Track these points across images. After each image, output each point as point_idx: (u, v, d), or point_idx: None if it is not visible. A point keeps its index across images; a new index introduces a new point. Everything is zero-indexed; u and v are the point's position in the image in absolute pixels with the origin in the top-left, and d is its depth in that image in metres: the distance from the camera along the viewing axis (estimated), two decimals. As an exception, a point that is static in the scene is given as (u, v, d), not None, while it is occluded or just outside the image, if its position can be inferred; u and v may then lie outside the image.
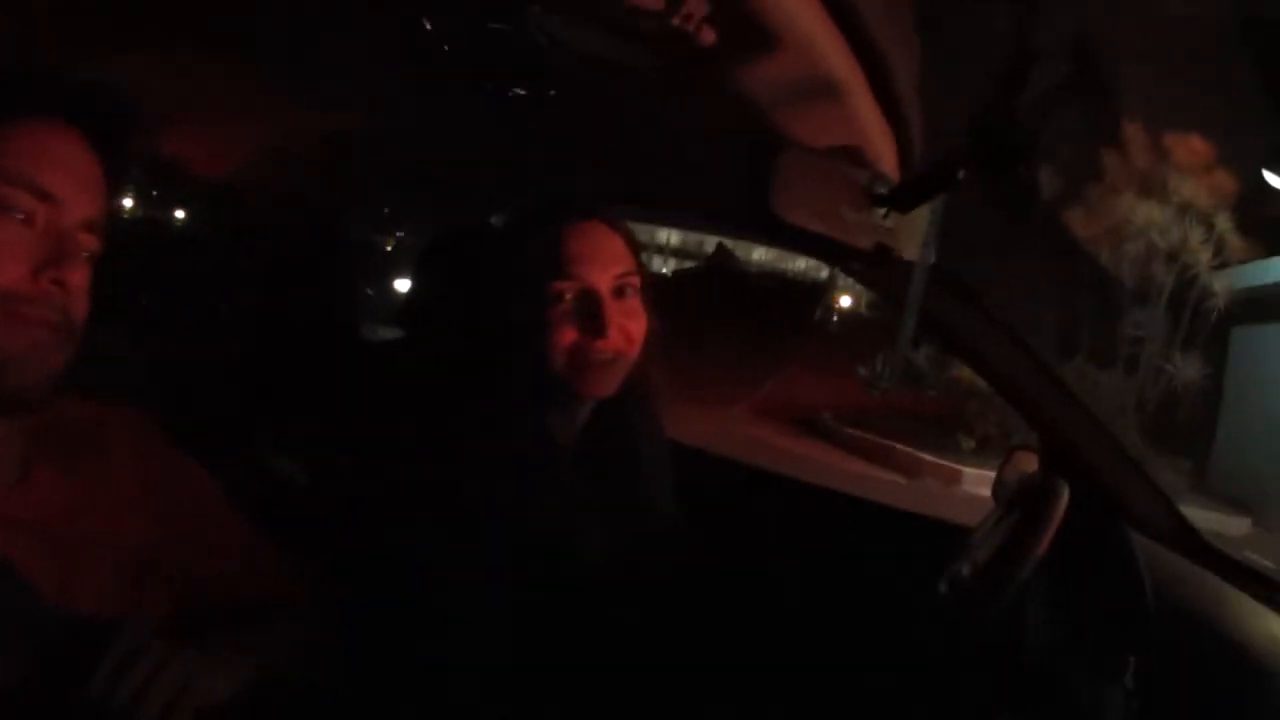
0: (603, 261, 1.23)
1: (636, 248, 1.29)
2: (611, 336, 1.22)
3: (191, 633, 0.97)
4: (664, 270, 22.43)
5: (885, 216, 1.25)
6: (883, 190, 1.24)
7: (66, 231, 0.90)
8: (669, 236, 24.14)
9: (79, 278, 0.90)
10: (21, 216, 0.87)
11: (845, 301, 19.27)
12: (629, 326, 1.25)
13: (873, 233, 1.24)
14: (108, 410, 1.06)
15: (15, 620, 0.87)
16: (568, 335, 1.22)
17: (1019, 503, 1.48)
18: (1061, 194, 10.93)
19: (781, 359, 14.02)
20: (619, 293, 1.25)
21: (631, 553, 1.31)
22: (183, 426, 1.12)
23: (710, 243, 22.41)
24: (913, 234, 1.27)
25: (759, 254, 22.40)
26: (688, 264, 23.17)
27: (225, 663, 0.95)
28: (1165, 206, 10.29)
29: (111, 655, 0.86)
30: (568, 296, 1.22)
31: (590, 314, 1.22)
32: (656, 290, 1.32)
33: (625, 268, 1.25)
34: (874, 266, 1.32)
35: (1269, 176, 10.64)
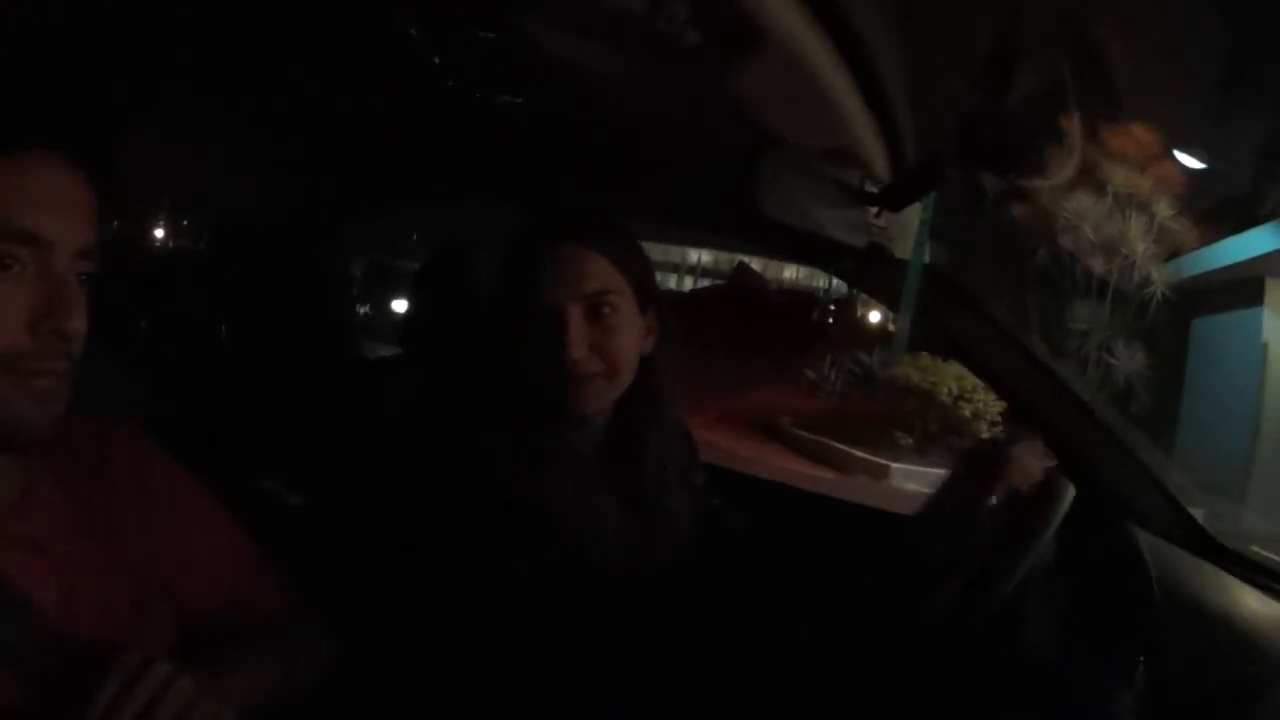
0: (574, 281, 1.26)
1: (634, 267, 1.30)
2: (577, 356, 1.24)
3: (193, 654, 0.96)
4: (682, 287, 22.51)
5: (877, 215, 1.25)
6: (873, 189, 1.24)
7: (60, 275, 0.86)
8: (699, 255, 24.17)
9: (78, 322, 0.87)
10: (10, 268, 0.83)
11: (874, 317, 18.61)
12: (607, 345, 1.27)
13: (865, 231, 1.24)
14: (107, 429, 1.04)
15: (14, 641, 0.86)
16: (537, 354, 1.26)
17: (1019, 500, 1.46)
18: (1007, 189, 10.93)
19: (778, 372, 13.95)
20: (594, 312, 1.26)
21: (646, 566, 1.31)
22: (183, 445, 1.11)
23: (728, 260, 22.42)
24: (904, 233, 1.27)
25: (786, 273, 22.42)
26: (706, 281, 23.28)
27: (227, 684, 0.94)
28: (1103, 197, 10.33)
29: (112, 677, 0.85)
30: (537, 317, 1.26)
31: (554, 334, 1.25)
32: (669, 306, 1.36)
33: (601, 286, 1.26)
34: (867, 265, 1.32)
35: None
